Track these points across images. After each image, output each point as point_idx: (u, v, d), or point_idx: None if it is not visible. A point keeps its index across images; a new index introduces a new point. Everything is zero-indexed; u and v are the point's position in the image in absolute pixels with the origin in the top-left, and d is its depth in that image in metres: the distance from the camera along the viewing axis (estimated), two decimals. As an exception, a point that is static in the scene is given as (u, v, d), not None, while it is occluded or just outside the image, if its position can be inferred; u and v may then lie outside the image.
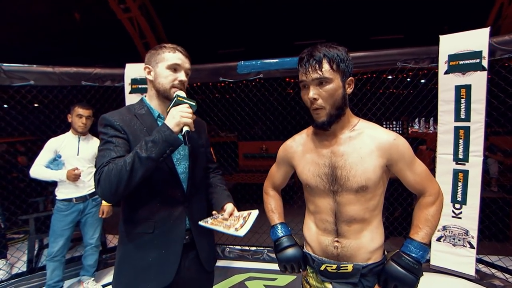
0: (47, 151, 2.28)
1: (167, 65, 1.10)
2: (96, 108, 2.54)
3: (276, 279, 2.68)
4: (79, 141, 2.37)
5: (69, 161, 2.30)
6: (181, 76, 1.12)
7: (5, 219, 2.93)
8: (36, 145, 4.72)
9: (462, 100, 2.30)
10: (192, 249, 1.16)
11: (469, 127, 2.30)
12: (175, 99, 1.03)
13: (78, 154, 2.34)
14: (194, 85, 3.12)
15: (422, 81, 2.89)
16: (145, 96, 1.20)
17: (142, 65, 3.56)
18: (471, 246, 2.39)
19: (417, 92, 2.68)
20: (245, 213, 1.21)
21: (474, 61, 2.24)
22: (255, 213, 1.19)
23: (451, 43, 2.33)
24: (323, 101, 0.95)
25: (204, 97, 3.18)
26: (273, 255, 2.99)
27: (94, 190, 2.44)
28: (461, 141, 2.34)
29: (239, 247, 3.06)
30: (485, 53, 2.20)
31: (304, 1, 6.59)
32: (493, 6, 5.07)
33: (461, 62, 2.28)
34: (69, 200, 2.31)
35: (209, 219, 1.18)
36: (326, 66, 0.93)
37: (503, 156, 3.91)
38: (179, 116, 0.98)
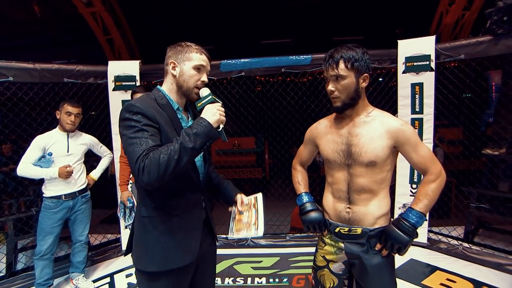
0: (35, 149, 2.23)
1: (194, 65, 1.17)
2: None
3: (262, 261, 2.91)
4: (68, 138, 2.35)
5: (59, 158, 2.29)
6: (204, 77, 1.20)
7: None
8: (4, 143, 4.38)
9: (417, 96, 2.73)
10: (206, 224, 1.29)
11: (422, 118, 2.74)
12: (210, 97, 1.13)
13: (68, 152, 2.33)
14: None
15: (380, 79, 3.28)
16: (162, 86, 1.23)
17: (125, 62, 3.60)
18: (425, 219, 2.85)
19: (380, 88, 3.08)
20: (252, 198, 1.35)
21: (424, 63, 2.68)
22: (259, 196, 1.34)
23: (407, 47, 2.76)
24: (339, 93, 1.21)
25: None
26: (257, 241, 3.23)
27: (83, 186, 2.45)
28: (416, 130, 2.78)
29: (223, 236, 3.23)
30: (433, 57, 2.65)
31: (269, 3, 6.89)
32: (434, 14, 5.78)
33: (415, 64, 2.71)
34: (58, 197, 2.30)
35: (232, 227, 1.28)
36: (342, 65, 1.17)
37: (446, 145, 4.58)
38: (219, 114, 1.09)
